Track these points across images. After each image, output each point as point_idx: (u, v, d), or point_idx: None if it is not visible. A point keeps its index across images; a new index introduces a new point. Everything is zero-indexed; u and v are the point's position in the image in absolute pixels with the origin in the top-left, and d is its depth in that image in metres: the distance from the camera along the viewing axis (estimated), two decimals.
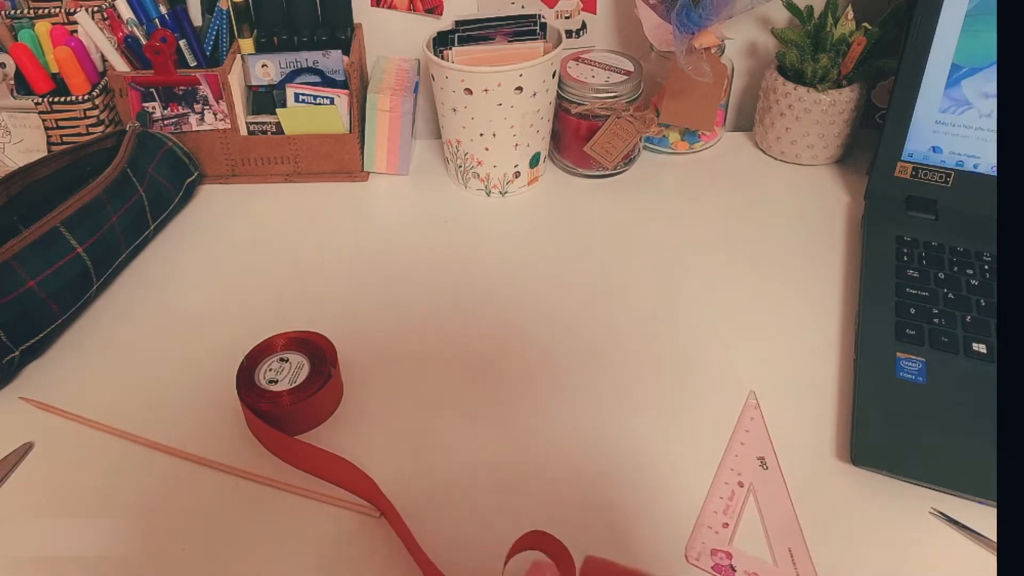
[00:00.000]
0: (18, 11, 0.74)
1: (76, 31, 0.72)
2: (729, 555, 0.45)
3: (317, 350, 0.54)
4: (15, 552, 0.46)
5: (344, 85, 0.75)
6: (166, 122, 0.75)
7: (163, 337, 0.61)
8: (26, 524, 0.48)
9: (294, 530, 0.47)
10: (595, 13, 0.82)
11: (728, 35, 0.76)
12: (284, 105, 0.76)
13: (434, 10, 0.81)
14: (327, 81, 0.76)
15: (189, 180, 0.75)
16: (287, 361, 0.54)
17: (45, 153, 0.73)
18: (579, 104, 0.74)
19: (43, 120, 0.73)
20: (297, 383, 0.52)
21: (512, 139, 0.72)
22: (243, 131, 0.76)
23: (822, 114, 0.75)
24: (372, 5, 0.81)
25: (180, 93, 0.74)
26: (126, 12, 0.73)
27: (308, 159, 0.78)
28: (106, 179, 0.64)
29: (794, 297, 0.63)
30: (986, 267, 0.61)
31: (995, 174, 0.67)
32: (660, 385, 0.56)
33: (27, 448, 0.52)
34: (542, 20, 0.73)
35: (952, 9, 0.63)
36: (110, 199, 0.64)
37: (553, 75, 0.72)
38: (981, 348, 0.54)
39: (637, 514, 0.47)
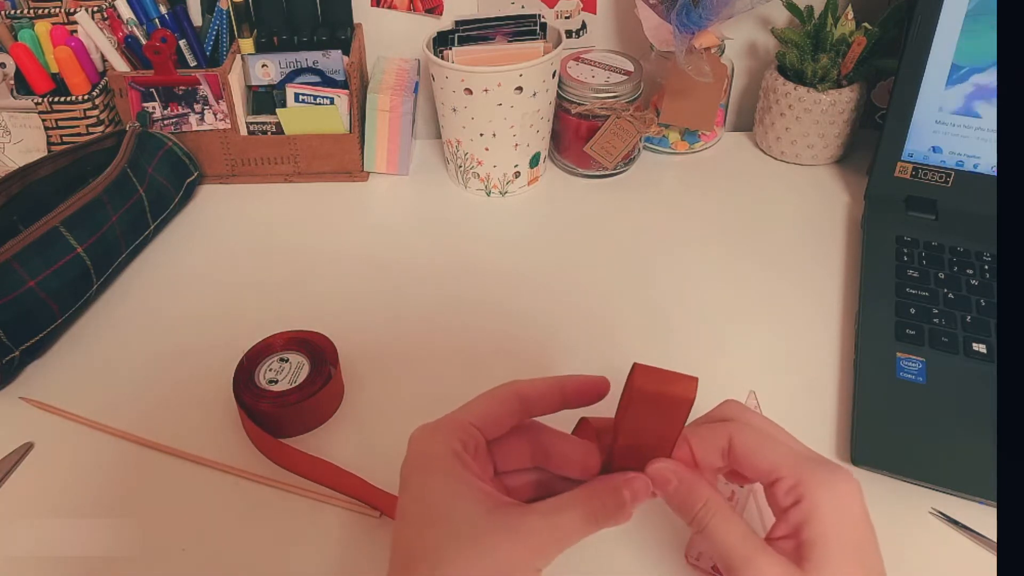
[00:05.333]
0: (18, 11, 0.74)
1: (76, 31, 0.72)
2: None
3: (317, 350, 0.54)
4: (15, 552, 0.46)
5: (344, 85, 0.75)
6: (166, 122, 0.75)
7: (163, 337, 0.61)
8: (26, 524, 0.48)
9: (294, 530, 0.47)
10: (595, 13, 0.82)
11: (728, 35, 0.76)
12: (284, 105, 0.76)
13: (434, 10, 0.81)
14: (327, 81, 0.76)
15: (189, 180, 0.75)
16: (287, 361, 0.54)
17: (45, 153, 0.73)
18: (579, 104, 0.74)
19: (43, 120, 0.73)
20: (297, 383, 0.52)
21: (512, 139, 0.72)
22: (243, 131, 0.76)
23: (822, 114, 0.75)
24: (372, 5, 0.81)
25: (180, 93, 0.74)
26: (126, 12, 0.73)
27: (308, 159, 0.78)
28: (106, 179, 0.64)
29: (794, 297, 0.63)
30: (986, 267, 0.61)
31: (995, 174, 0.67)
32: None
33: (27, 448, 0.52)
34: (542, 20, 0.73)
35: (952, 9, 0.63)
36: (110, 199, 0.64)
37: (553, 75, 0.72)
38: (981, 348, 0.54)
39: (637, 514, 0.47)
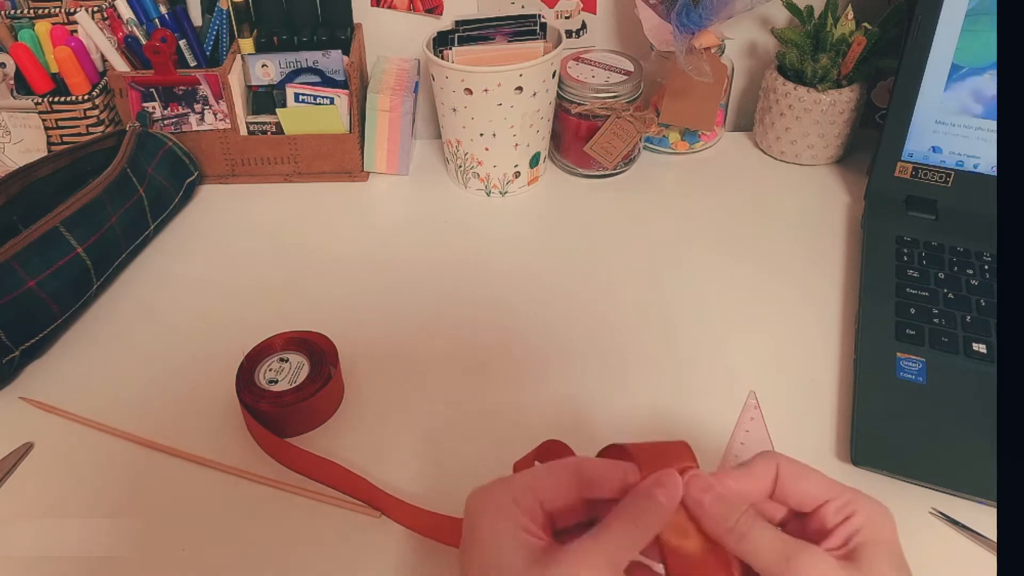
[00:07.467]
0: (18, 11, 0.74)
1: (76, 31, 0.72)
2: None
3: (317, 350, 0.54)
4: (15, 552, 0.46)
5: (344, 85, 0.75)
6: (166, 122, 0.75)
7: (163, 337, 0.61)
8: (26, 524, 0.48)
9: (294, 530, 0.47)
10: (595, 13, 0.82)
11: (728, 35, 0.76)
12: (284, 105, 0.76)
13: (434, 10, 0.81)
14: (327, 81, 0.76)
15: (189, 180, 0.75)
16: (287, 361, 0.54)
17: (45, 153, 0.73)
18: (579, 104, 0.74)
19: (43, 120, 0.73)
20: (297, 383, 0.52)
21: (512, 139, 0.72)
22: (243, 131, 0.76)
23: (822, 114, 0.75)
24: (372, 5, 0.81)
25: (180, 93, 0.74)
26: (126, 12, 0.73)
27: (308, 159, 0.78)
28: (106, 179, 0.64)
29: (794, 297, 0.63)
30: (986, 267, 0.61)
31: (995, 174, 0.67)
32: (660, 385, 0.56)
33: (27, 448, 0.52)
34: (542, 20, 0.73)
35: (952, 9, 0.63)
36: (110, 199, 0.64)
37: (553, 75, 0.72)
38: (981, 348, 0.54)
39: None
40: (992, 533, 0.45)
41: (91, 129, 0.74)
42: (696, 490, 0.34)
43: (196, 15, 0.76)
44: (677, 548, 0.34)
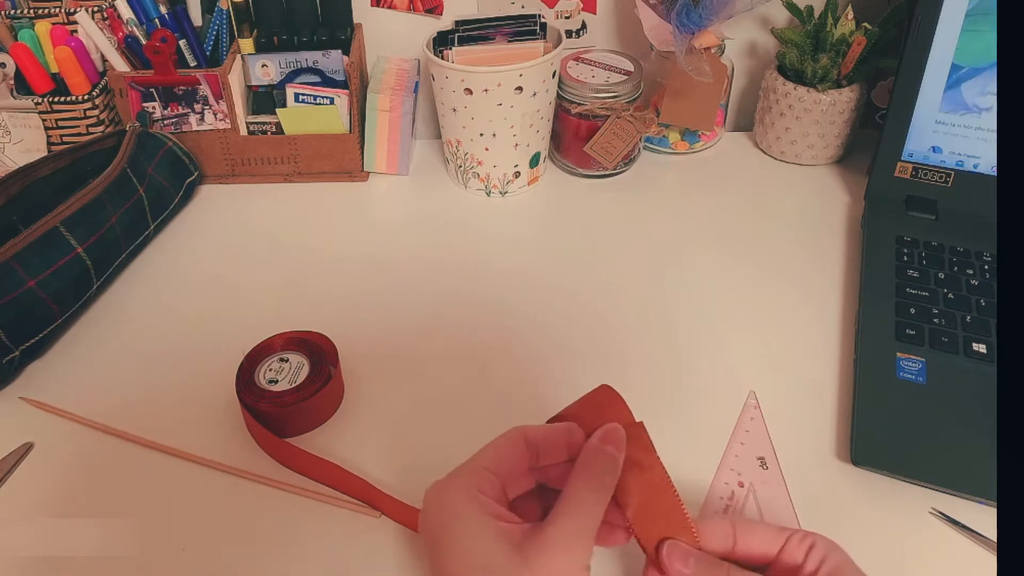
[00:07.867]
0: (18, 11, 0.74)
1: (76, 31, 0.72)
2: None
3: (317, 350, 0.54)
4: (15, 552, 0.46)
5: (344, 85, 0.75)
6: (166, 122, 0.75)
7: (163, 337, 0.61)
8: (26, 524, 0.48)
9: (294, 530, 0.47)
10: (595, 13, 0.82)
11: (728, 35, 0.76)
12: (284, 105, 0.76)
13: (434, 10, 0.81)
14: (327, 81, 0.76)
15: (189, 180, 0.75)
16: (287, 361, 0.54)
17: (45, 153, 0.73)
18: (579, 104, 0.74)
19: (43, 120, 0.73)
20: (297, 383, 0.52)
21: (512, 139, 0.72)
22: (243, 131, 0.76)
23: (822, 114, 0.75)
24: (372, 5, 0.81)
25: (180, 93, 0.74)
26: (126, 12, 0.73)
27: (308, 159, 0.78)
28: (106, 179, 0.64)
29: (794, 297, 0.63)
30: (986, 267, 0.61)
31: (995, 174, 0.67)
32: (660, 385, 0.56)
33: (27, 448, 0.52)
34: (542, 20, 0.73)
35: (952, 9, 0.63)
36: (110, 199, 0.64)
37: (553, 75, 0.72)
38: (981, 348, 0.54)
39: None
40: (992, 533, 0.45)
41: (91, 129, 0.74)
42: (678, 562, 0.35)
43: (196, 15, 0.76)
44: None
